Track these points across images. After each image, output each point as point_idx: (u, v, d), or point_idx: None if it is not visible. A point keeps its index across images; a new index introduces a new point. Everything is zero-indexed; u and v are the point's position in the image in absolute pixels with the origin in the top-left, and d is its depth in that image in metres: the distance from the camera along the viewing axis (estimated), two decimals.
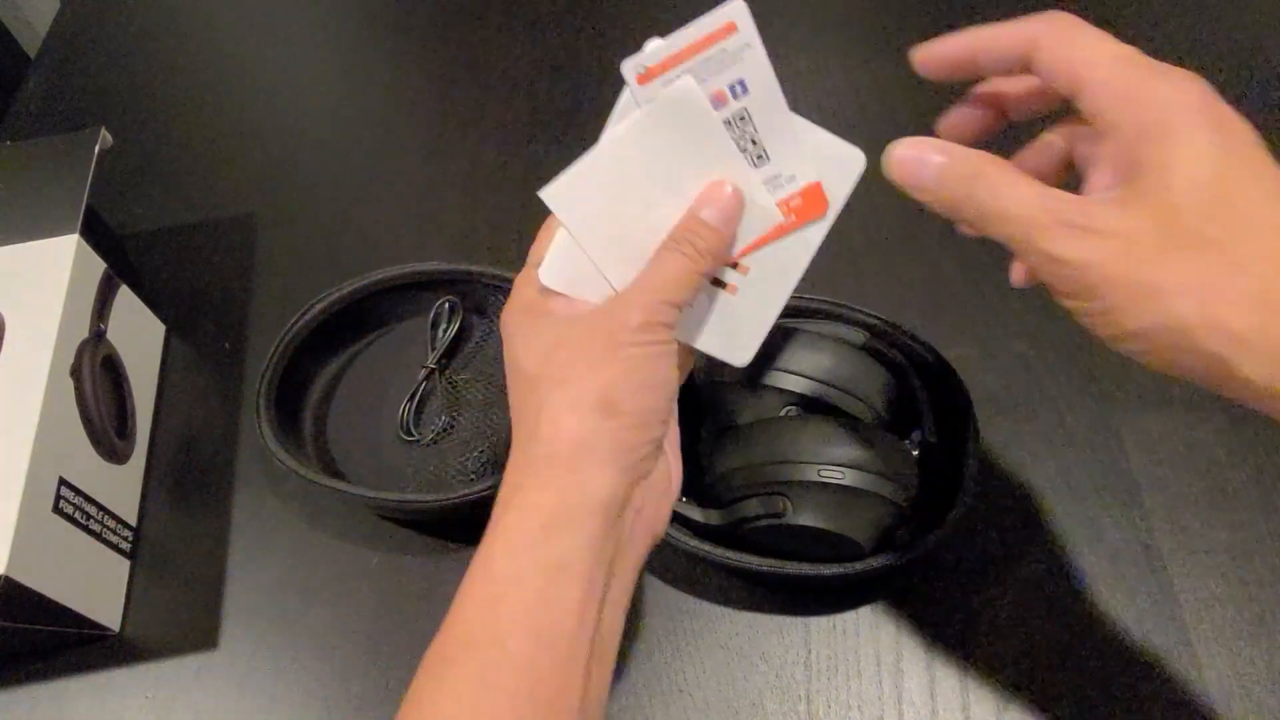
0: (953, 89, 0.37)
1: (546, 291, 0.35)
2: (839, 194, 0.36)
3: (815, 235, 0.36)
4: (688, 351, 0.37)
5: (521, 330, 0.35)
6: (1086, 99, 0.29)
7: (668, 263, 0.34)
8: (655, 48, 0.33)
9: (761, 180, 0.35)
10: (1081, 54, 0.30)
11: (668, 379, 0.33)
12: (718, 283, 0.36)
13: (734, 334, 0.37)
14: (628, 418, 0.32)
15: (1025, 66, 0.31)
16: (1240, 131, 0.27)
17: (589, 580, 0.31)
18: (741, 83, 0.34)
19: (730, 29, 0.33)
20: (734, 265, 0.36)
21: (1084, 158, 0.32)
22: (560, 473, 0.32)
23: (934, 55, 0.34)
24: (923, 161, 0.31)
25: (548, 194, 0.33)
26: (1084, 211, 0.28)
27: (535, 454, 0.32)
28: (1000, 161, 0.30)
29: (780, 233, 0.36)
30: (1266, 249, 0.26)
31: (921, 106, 0.68)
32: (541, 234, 0.36)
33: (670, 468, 0.36)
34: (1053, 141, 0.34)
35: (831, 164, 0.35)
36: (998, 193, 0.29)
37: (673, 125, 0.34)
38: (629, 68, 0.33)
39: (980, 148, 0.31)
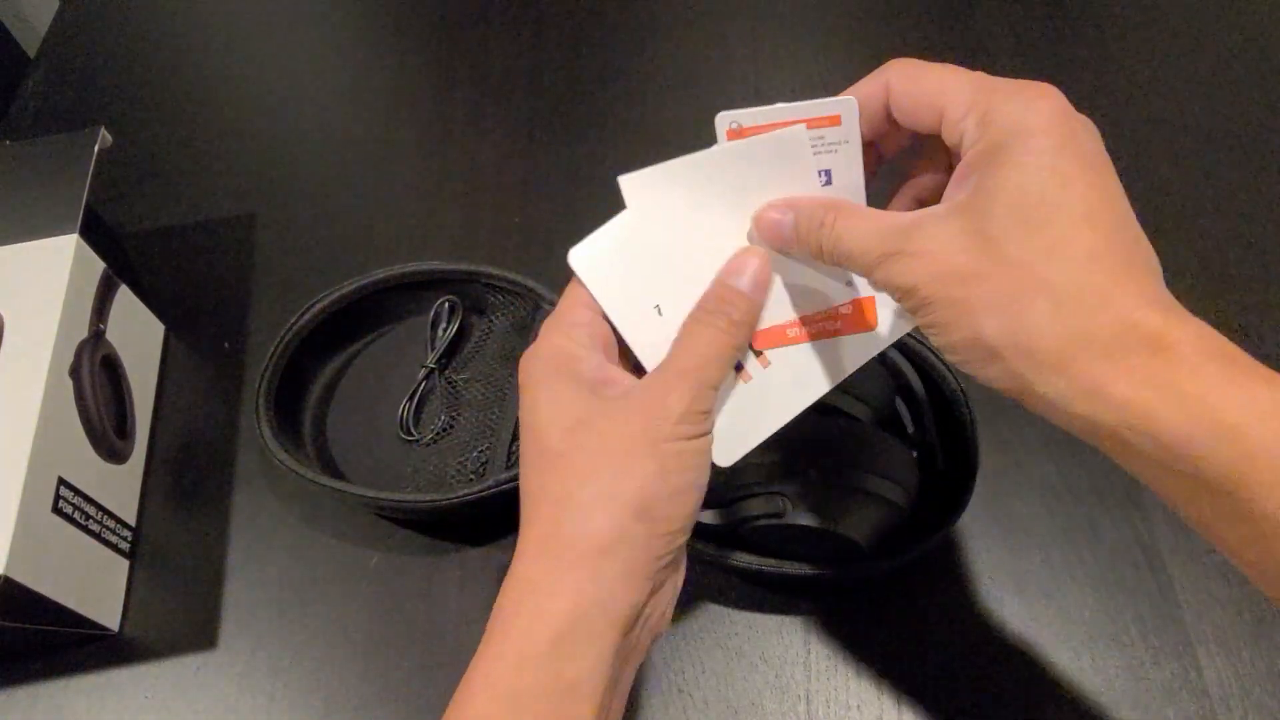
0: None
1: (578, 348, 0.32)
2: (890, 324, 0.34)
3: (854, 354, 0.34)
4: None
5: (545, 388, 0.32)
6: (949, 126, 0.30)
7: (701, 337, 0.32)
8: (755, 111, 0.32)
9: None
10: (938, 84, 0.30)
11: (699, 483, 0.31)
12: (736, 365, 0.34)
13: (731, 426, 0.34)
14: (661, 524, 0.30)
15: (886, 117, 0.33)
16: (1083, 152, 0.28)
17: (598, 703, 0.29)
18: (829, 173, 0.33)
19: (834, 121, 0.33)
20: (757, 353, 0.34)
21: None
22: (581, 578, 0.29)
23: None
24: (780, 221, 0.32)
25: (627, 180, 0.32)
26: (907, 235, 0.29)
27: (555, 550, 0.30)
28: (840, 205, 0.31)
29: (819, 334, 0.35)
30: (1072, 272, 0.27)
31: None
32: (570, 288, 0.34)
33: (681, 567, 0.34)
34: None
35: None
36: (837, 237, 0.31)
37: (772, 163, 0.33)
38: (723, 120, 0.32)
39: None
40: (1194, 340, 0.26)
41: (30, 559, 0.43)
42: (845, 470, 0.43)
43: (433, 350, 0.57)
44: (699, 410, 0.31)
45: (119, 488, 0.53)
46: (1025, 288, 0.27)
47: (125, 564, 0.52)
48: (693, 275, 0.33)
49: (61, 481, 0.47)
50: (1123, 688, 0.44)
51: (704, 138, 0.33)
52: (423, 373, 0.57)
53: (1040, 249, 0.27)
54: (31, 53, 0.87)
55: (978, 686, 0.45)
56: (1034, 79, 0.29)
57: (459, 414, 0.56)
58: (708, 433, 0.32)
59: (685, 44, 0.74)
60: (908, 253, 0.29)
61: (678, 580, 0.33)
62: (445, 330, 0.58)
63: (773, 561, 0.45)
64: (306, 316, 0.55)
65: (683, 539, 0.31)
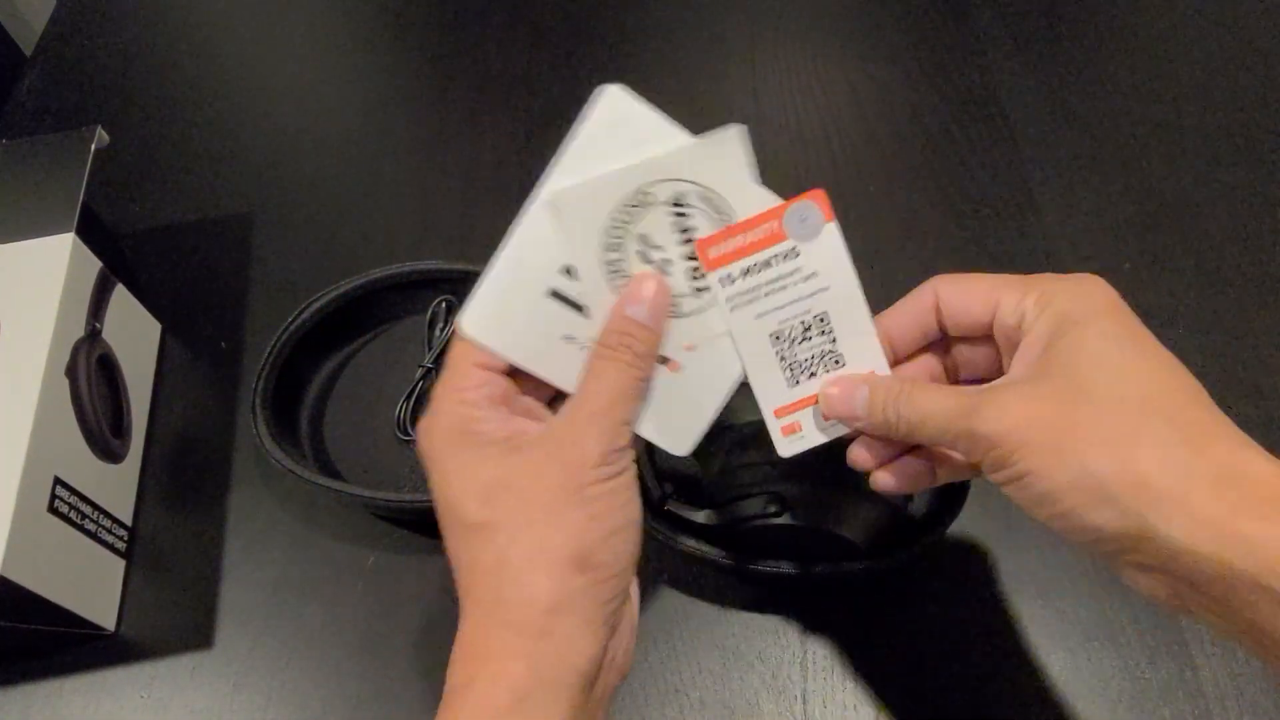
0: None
1: (475, 409, 0.32)
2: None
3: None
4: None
5: (452, 461, 0.31)
6: (1006, 310, 0.32)
7: (609, 375, 0.32)
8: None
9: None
10: (986, 282, 0.33)
11: (634, 516, 0.31)
12: (660, 358, 0.34)
13: (674, 416, 0.34)
14: (602, 570, 0.30)
15: (937, 326, 0.35)
16: (1133, 320, 0.31)
17: None
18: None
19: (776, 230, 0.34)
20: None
21: (969, 362, 0.36)
22: (533, 640, 0.29)
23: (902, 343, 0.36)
24: (852, 395, 0.34)
25: (467, 321, 0.32)
26: (991, 391, 0.30)
27: (502, 617, 0.29)
28: (915, 380, 0.34)
29: None
30: (1170, 415, 0.28)
31: (918, 106, 0.68)
32: (455, 350, 0.33)
33: (633, 597, 0.33)
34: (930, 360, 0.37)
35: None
36: (917, 403, 0.32)
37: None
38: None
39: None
40: None
41: (26, 559, 0.43)
42: (842, 470, 0.43)
43: (430, 350, 0.57)
44: (616, 449, 0.31)
45: (115, 487, 0.53)
46: (1128, 428, 0.27)
47: (121, 563, 0.52)
48: (591, 296, 0.33)
49: (57, 481, 0.47)
50: (1119, 687, 0.44)
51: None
52: (420, 372, 0.57)
53: (1133, 399, 0.28)
54: (28, 51, 0.87)
55: (974, 686, 0.45)
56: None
57: None
58: (629, 468, 0.31)
59: (683, 44, 0.74)
60: (998, 403, 0.30)
61: (632, 614, 0.33)
62: (442, 330, 0.58)
63: (770, 561, 0.45)
64: (304, 316, 0.55)
65: (629, 578, 0.31)
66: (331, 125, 0.73)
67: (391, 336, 0.60)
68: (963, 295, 0.34)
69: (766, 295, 0.34)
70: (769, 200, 0.34)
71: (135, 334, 0.59)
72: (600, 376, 0.32)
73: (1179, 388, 0.29)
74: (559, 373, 0.33)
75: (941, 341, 0.36)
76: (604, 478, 0.30)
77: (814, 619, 0.48)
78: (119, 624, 0.51)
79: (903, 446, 0.35)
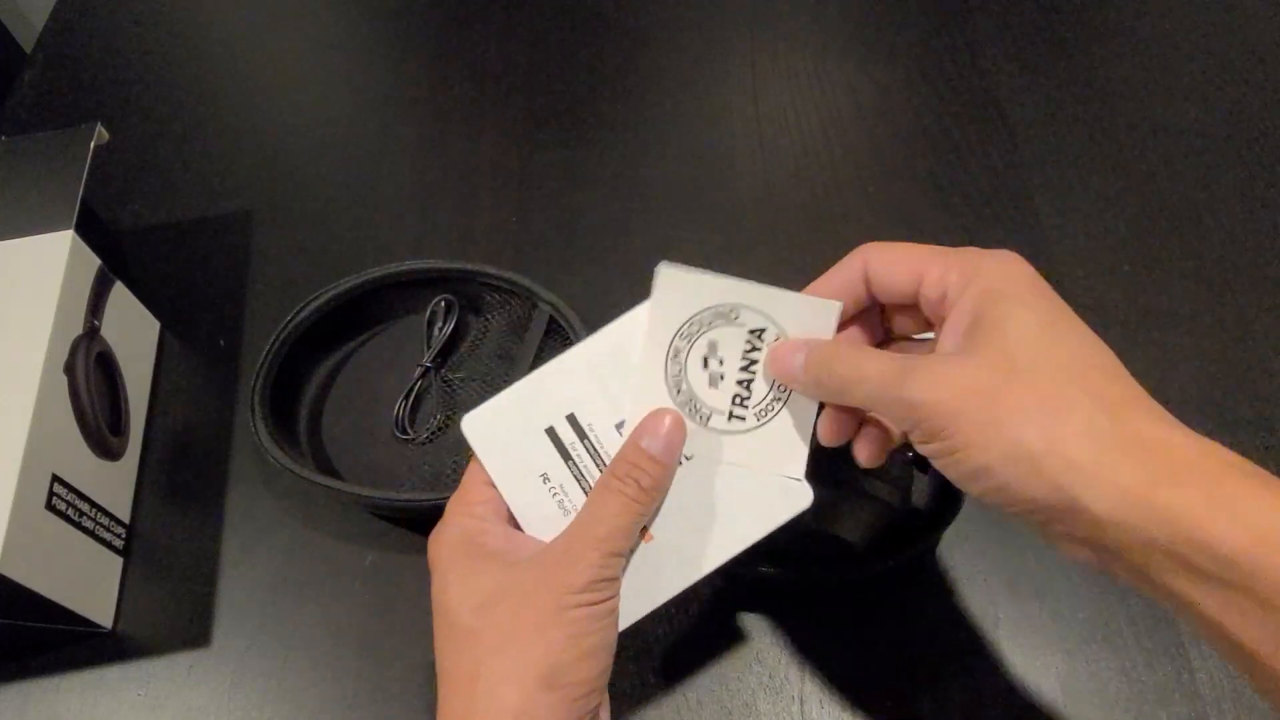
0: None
1: (481, 522, 0.34)
2: (792, 499, 0.37)
3: (756, 524, 0.36)
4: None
5: (456, 569, 0.33)
6: (931, 283, 0.33)
7: (610, 505, 0.33)
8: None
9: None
10: (912, 252, 0.34)
11: (609, 643, 0.33)
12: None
13: (629, 586, 0.35)
14: (570, 690, 0.31)
15: (867, 294, 0.35)
16: (1054, 296, 0.31)
17: None
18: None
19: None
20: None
21: (906, 330, 0.37)
22: None
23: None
24: (790, 356, 0.34)
25: (469, 421, 0.35)
26: (928, 364, 0.30)
27: None
28: (851, 342, 0.35)
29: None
30: (1090, 385, 0.28)
31: (918, 108, 0.68)
32: (469, 474, 0.36)
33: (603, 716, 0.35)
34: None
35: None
36: (851, 363, 0.32)
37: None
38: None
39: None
40: (1215, 454, 0.27)
41: (23, 556, 0.43)
42: (840, 470, 0.43)
43: (429, 349, 0.57)
44: (604, 578, 0.32)
45: (113, 484, 0.53)
46: (1055, 402, 0.28)
47: (119, 561, 0.52)
48: (583, 444, 0.35)
49: (55, 478, 0.47)
50: (1116, 689, 0.44)
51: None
52: (418, 371, 0.57)
53: (1060, 367, 0.29)
54: (28, 48, 0.87)
55: (971, 687, 0.45)
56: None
57: (454, 413, 0.56)
58: (613, 596, 0.33)
59: (683, 44, 0.74)
60: (937, 374, 0.30)
61: None
62: (441, 329, 0.58)
63: (767, 562, 0.45)
64: (302, 314, 0.55)
65: (598, 698, 0.32)
66: (331, 124, 0.73)
67: (390, 335, 0.60)
68: (889, 265, 0.34)
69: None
70: None
71: (134, 332, 0.59)
72: (602, 505, 0.33)
73: (1100, 363, 0.29)
74: (519, 501, 0.35)
75: (881, 309, 0.37)
76: (587, 603, 0.32)
77: (811, 620, 0.48)
78: (116, 622, 0.51)
79: (860, 415, 0.36)
